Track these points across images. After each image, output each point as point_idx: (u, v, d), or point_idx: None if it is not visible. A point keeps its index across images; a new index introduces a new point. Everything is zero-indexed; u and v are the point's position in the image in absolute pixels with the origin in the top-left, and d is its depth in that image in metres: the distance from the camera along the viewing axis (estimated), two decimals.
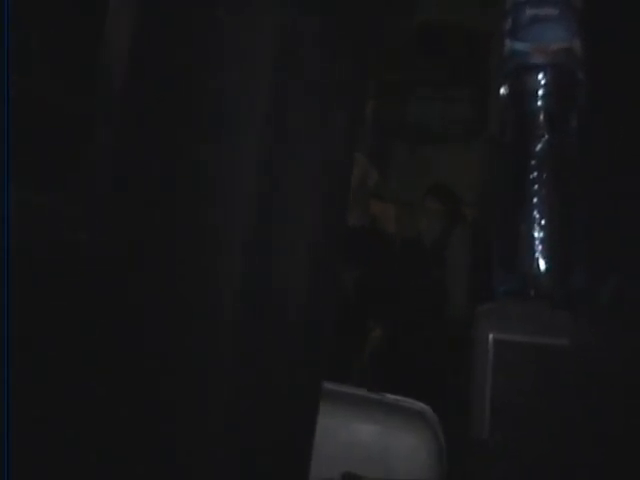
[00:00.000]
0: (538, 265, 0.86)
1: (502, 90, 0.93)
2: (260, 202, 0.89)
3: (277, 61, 0.93)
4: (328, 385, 1.13)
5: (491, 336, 0.77)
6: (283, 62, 0.93)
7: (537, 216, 0.87)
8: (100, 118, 0.90)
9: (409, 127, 4.29)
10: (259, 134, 0.90)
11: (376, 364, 2.77)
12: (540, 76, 0.89)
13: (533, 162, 0.89)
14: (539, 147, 0.89)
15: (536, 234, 0.87)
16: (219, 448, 0.88)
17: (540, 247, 0.86)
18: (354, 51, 1.04)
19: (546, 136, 0.89)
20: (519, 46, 0.90)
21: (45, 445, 0.84)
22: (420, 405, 1.29)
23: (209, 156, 0.91)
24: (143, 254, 0.88)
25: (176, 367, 0.87)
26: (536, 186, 0.87)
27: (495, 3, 0.96)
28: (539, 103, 0.89)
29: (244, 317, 0.88)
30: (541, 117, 0.89)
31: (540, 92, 0.89)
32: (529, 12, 0.90)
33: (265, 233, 0.89)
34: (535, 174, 0.88)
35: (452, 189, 3.39)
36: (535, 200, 0.87)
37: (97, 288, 0.87)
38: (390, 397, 1.32)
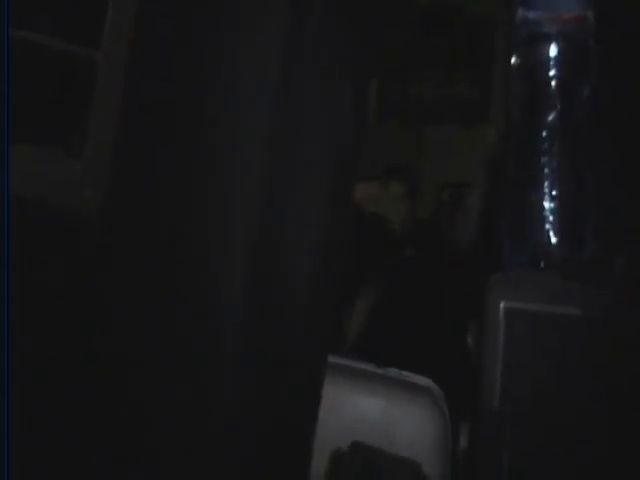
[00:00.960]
0: (549, 236, 0.85)
1: (513, 60, 0.92)
2: (268, 197, 0.88)
3: (290, 33, 0.92)
4: (334, 359, 1.13)
5: (502, 304, 0.76)
6: (295, 39, 0.93)
7: (548, 187, 0.86)
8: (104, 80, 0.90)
9: (409, 107, 4.28)
10: (269, 117, 0.89)
11: (381, 336, 2.75)
12: (552, 45, 0.88)
13: (545, 133, 0.88)
14: (551, 117, 0.88)
15: (547, 205, 0.86)
16: (219, 449, 0.88)
17: (551, 218, 0.85)
18: (362, 31, 1.03)
19: (558, 106, 0.88)
20: (532, 15, 0.89)
21: (39, 444, 0.84)
22: (425, 380, 1.29)
23: (218, 140, 0.90)
24: (146, 243, 0.87)
25: (175, 366, 0.87)
26: (547, 157, 0.87)
27: None
28: (551, 73, 0.88)
29: (246, 315, 0.87)
30: (553, 87, 0.88)
31: (552, 61, 0.88)
32: None
33: (271, 232, 0.89)
34: (546, 145, 0.87)
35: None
36: (546, 171, 0.86)
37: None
38: (395, 371, 1.32)
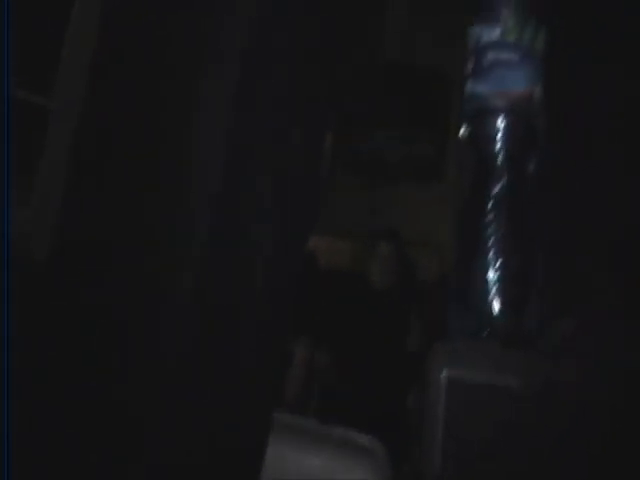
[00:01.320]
0: (492, 306, 0.87)
1: (462, 131, 0.94)
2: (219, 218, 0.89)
3: (245, 68, 0.94)
4: (279, 415, 1.13)
5: (444, 374, 0.77)
6: (251, 73, 0.94)
7: (493, 257, 0.88)
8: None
9: (366, 163, 4.32)
10: (224, 144, 0.91)
11: (326, 394, 2.76)
12: (499, 120, 0.91)
13: (491, 204, 0.90)
14: (497, 189, 0.90)
15: (491, 275, 0.88)
16: None
17: (494, 288, 0.87)
18: (322, 71, 1.05)
19: (504, 178, 0.90)
20: (480, 89, 0.91)
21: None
22: (369, 439, 1.29)
23: (171, 179, 0.91)
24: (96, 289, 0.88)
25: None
26: (492, 228, 0.89)
27: (459, 45, 0.98)
28: (498, 146, 0.91)
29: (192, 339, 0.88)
30: (499, 160, 0.91)
31: (499, 135, 0.91)
32: (491, 56, 0.91)
33: (219, 255, 0.89)
34: (492, 216, 0.89)
35: (400, 234, 3.46)
36: (491, 242, 0.88)
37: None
38: (339, 430, 1.32)
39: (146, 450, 0.86)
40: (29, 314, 0.85)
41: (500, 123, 0.91)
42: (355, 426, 1.32)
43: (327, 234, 3.53)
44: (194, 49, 0.93)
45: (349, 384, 2.65)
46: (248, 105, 0.97)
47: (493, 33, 0.91)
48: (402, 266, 3.38)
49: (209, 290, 0.90)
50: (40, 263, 0.87)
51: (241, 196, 0.95)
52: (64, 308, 0.87)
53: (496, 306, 0.87)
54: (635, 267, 0.99)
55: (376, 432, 1.29)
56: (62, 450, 0.84)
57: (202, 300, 0.90)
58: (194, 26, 0.95)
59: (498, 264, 0.88)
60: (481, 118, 0.92)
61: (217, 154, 0.93)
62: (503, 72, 0.91)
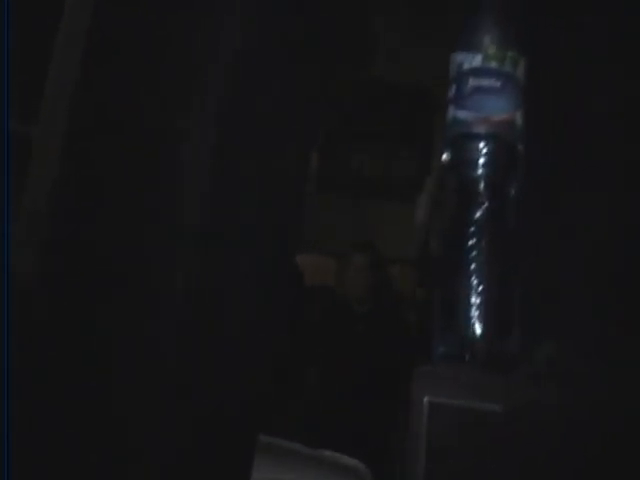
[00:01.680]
0: (474, 330, 0.88)
1: (444, 156, 0.95)
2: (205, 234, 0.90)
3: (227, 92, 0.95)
4: (264, 437, 1.13)
5: (426, 399, 0.78)
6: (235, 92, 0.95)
7: (474, 282, 0.89)
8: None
9: (351, 180, 4.34)
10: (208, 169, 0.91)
11: (311, 416, 2.76)
12: (481, 145, 0.92)
13: (472, 229, 0.91)
14: (478, 214, 0.91)
15: (473, 299, 0.88)
16: None
17: (476, 312, 0.88)
18: (307, 89, 1.06)
19: (485, 204, 0.91)
20: (462, 115, 0.93)
21: None
22: (354, 462, 1.30)
23: (154, 208, 0.92)
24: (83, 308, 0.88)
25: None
26: (474, 253, 0.90)
27: (443, 66, 0.99)
28: (479, 171, 0.92)
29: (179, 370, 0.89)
30: (481, 185, 0.92)
31: (481, 161, 0.92)
32: (472, 82, 0.93)
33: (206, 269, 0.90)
34: (474, 241, 0.90)
35: (375, 246, 3.48)
36: (473, 266, 0.89)
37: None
38: (324, 453, 1.33)
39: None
40: (23, 324, 0.86)
41: (482, 149, 0.92)
42: (341, 449, 1.32)
43: (311, 252, 3.54)
44: (176, 80, 0.94)
45: (334, 404, 2.65)
46: (233, 122, 0.98)
47: (474, 60, 0.93)
48: (377, 278, 3.40)
49: (201, 291, 0.91)
50: (29, 273, 0.88)
51: (227, 213, 0.96)
52: (57, 317, 0.87)
53: (478, 330, 0.88)
54: (618, 291, 1.00)
55: (361, 455, 1.29)
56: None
57: (195, 301, 0.91)
58: (178, 50, 0.96)
59: (480, 288, 0.89)
60: (463, 144, 0.93)
61: (203, 166, 0.94)
62: (484, 98, 0.92)
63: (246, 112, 1.00)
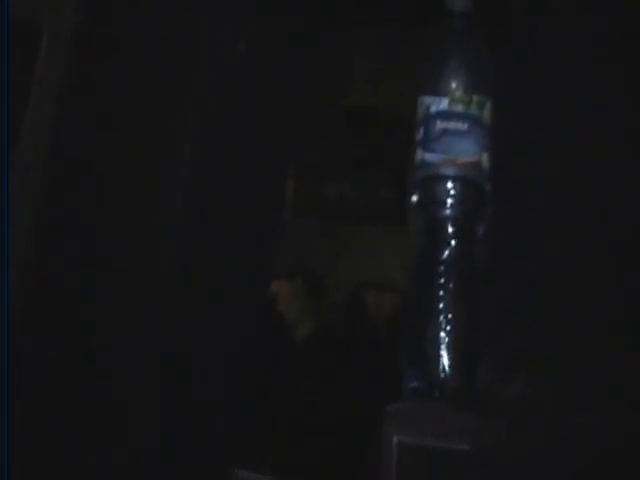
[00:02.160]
0: (443, 367, 0.90)
1: (413, 198, 0.97)
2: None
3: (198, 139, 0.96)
4: (236, 471, 1.14)
5: (395, 439, 0.80)
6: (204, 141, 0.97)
7: (443, 320, 0.91)
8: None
9: (327, 207, 4.35)
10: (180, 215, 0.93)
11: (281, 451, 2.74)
12: (449, 186, 0.94)
13: (441, 268, 0.93)
14: (446, 254, 0.93)
15: (442, 337, 0.90)
16: None
17: (445, 350, 0.90)
18: (273, 130, 1.08)
19: (453, 243, 0.93)
20: (429, 157, 0.95)
21: None
22: None
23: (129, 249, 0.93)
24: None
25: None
26: (442, 292, 0.92)
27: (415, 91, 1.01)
28: (447, 212, 0.94)
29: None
30: (449, 225, 0.94)
31: (449, 201, 0.94)
32: (440, 125, 0.95)
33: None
34: (442, 280, 0.92)
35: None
36: (441, 305, 0.91)
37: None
38: None
39: (130, 436, 0.88)
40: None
41: (449, 190, 0.94)
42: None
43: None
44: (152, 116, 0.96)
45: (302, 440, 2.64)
46: (207, 154, 1.00)
47: (441, 103, 0.95)
48: (316, 302, 3.37)
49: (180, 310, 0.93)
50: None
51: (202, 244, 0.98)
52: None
53: (446, 368, 0.90)
54: (587, 328, 1.02)
55: None
56: (51, 438, 0.86)
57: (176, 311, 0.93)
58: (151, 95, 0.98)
59: (448, 327, 0.91)
60: (431, 185, 0.95)
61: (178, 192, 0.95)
62: (452, 141, 0.94)
63: (220, 140, 1.02)
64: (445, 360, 0.90)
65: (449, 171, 0.94)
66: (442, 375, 0.90)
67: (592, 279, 1.04)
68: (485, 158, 0.95)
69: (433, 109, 0.96)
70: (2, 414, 0.82)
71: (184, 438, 0.97)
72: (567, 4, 1.09)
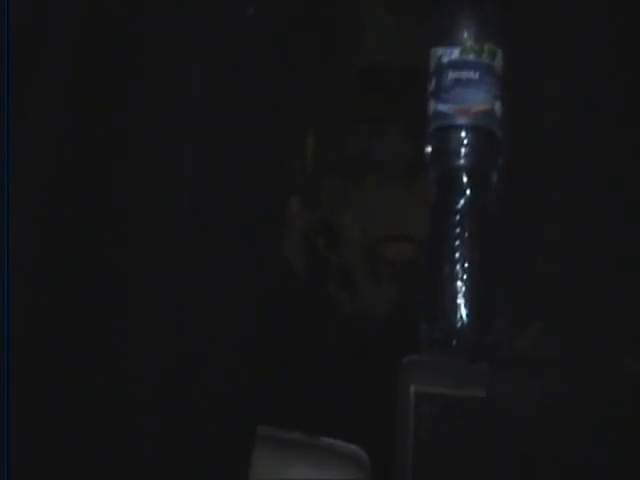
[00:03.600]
0: (459, 317, 0.90)
1: (427, 148, 0.97)
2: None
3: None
4: (261, 428, 1.15)
5: (412, 388, 0.80)
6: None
7: (459, 270, 0.91)
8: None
9: (346, 164, 4.33)
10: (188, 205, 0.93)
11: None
12: (462, 135, 0.93)
13: (456, 217, 0.93)
14: (461, 203, 0.93)
15: (458, 288, 0.90)
16: None
17: (461, 300, 0.90)
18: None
19: (468, 193, 0.93)
20: (442, 107, 0.94)
21: None
22: (354, 448, 1.31)
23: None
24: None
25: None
26: (458, 242, 0.91)
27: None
28: (461, 162, 0.94)
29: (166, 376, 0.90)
30: (463, 175, 0.94)
31: (462, 151, 0.93)
32: (451, 75, 0.94)
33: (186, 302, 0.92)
34: (457, 230, 0.92)
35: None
36: (457, 255, 0.91)
37: None
38: (324, 440, 1.34)
39: (142, 436, 0.89)
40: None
41: (463, 139, 0.94)
42: (337, 437, 1.34)
43: None
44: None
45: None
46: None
47: (453, 53, 0.94)
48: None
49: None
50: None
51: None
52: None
53: (463, 318, 0.90)
54: (604, 277, 1.02)
55: (360, 441, 1.31)
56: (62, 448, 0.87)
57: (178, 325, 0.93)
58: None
59: (465, 276, 0.91)
60: (444, 135, 0.95)
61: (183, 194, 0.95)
62: (464, 90, 0.94)
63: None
64: (462, 310, 0.90)
65: (462, 120, 0.93)
66: (459, 325, 0.90)
67: (606, 228, 1.03)
68: (498, 106, 0.95)
69: (445, 59, 0.95)
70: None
71: (207, 397, 0.97)
72: None
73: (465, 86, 0.94)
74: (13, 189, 0.89)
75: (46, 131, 0.94)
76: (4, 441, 0.82)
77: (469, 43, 0.94)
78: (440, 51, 0.96)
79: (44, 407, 0.90)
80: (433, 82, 0.96)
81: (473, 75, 0.94)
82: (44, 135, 0.94)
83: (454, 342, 0.90)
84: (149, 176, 0.97)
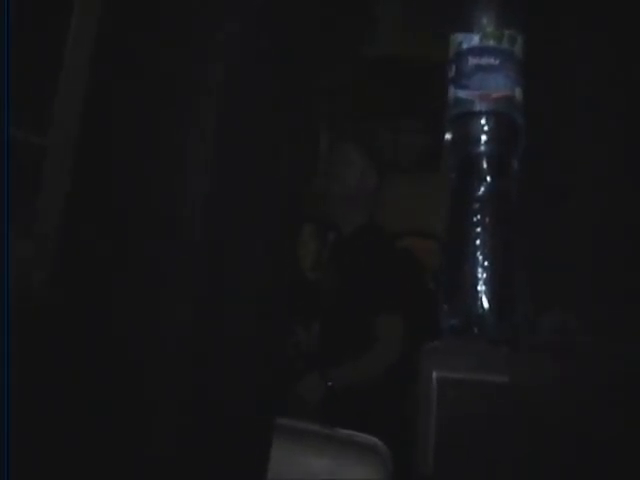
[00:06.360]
0: (481, 304, 0.89)
1: (447, 135, 0.96)
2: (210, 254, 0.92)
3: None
4: (282, 420, 1.15)
5: (434, 374, 0.80)
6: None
7: (480, 257, 0.90)
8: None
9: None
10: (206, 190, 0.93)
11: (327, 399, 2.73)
12: (482, 122, 0.93)
13: (477, 205, 0.92)
14: (482, 191, 0.92)
15: (479, 274, 0.90)
16: None
17: (483, 287, 0.90)
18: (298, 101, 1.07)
19: (488, 179, 0.93)
20: (462, 94, 0.94)
21: None
22: (372, 439, 1.32)
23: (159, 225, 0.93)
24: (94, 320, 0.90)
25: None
26: (479, 229, 0.91)
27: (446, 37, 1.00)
28: (482, 148, 0.93)
29: (192, 367, 0.90)
30: (483, 161, 0.93)
31: (482, 138, 0.93)
32: (472, 61, 0.94)
33: (215, 284, 0.92)
34: (478, 217, 0.92)
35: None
36: (478, 242, 0.91)
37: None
38: (343, 432, 1.35)
39: (153, 436, 0.89)
40: (31, 342, 0.87)
41: (483, 125, 0.93)
42: (356, 428, 1.34)
43: None
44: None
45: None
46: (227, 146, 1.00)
47: (473, 40, 0.94)
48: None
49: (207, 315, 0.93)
50: (41, 293, 0.90)
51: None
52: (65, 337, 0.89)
53: (484, 304, 0.89)
54: (618, 263, 1.01)
55: (378, 434, 1.31)
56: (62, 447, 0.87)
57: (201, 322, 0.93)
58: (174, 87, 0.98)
59: (486, 263, 0.91)
60: (464, 121, 0.94)
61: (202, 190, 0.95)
62: (484, 76, 0.93)
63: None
64: (482, 297, 0.90)
65: (482, 106, 0.93)
66: (480, 311, 0.90)
67: (627, 215, 1.03)
68: (518, 92, 0.94)
69: (465, 46, 0.95)
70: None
71: (224, 390, 0.97)
72: None
73: (485, 72, 0.93)
74: None
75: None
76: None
77: (489, 29, 0.94)
78: (460, 37, 0.95)
79: (47, 413, 0.90)
80: (453, 68, 0.96)
81: (494, 61, 0.93)
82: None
83: (475, 329, 0.89)
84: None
